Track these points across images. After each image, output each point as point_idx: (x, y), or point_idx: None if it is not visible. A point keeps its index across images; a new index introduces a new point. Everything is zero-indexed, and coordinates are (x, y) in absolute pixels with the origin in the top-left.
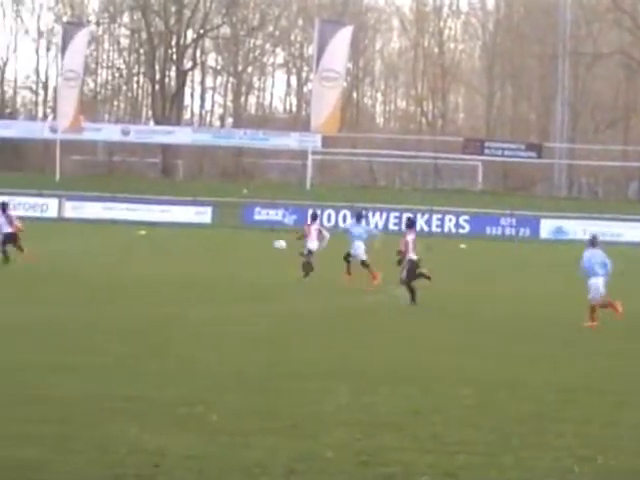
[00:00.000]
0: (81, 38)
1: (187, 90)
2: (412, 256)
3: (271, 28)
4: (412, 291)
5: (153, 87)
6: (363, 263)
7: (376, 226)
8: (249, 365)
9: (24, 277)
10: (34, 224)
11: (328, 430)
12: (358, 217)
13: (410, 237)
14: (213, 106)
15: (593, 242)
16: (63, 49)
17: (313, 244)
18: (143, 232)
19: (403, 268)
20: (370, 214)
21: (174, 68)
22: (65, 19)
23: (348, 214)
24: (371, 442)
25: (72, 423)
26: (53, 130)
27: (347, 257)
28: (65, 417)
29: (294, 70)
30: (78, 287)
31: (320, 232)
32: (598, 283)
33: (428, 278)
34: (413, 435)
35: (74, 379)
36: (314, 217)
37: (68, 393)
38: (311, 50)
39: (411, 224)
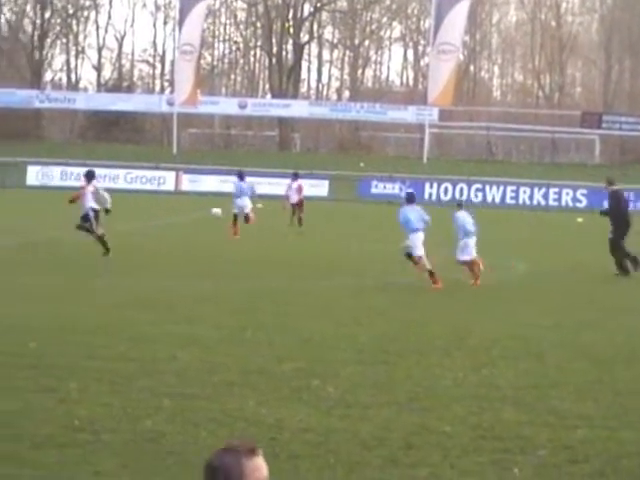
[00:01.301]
0: (198, 11)
1: (304, 63)
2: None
3: (388, 1)
4: None
5: (270, 60)
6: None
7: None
8: (367, 339)
9: (138, 251)
10: (151, 197)
11: (445, 404)
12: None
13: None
14: (330, 79)
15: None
16: (180, 22)
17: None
18: (260, 205)
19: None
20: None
21: (291, 41)
22: None
23: (465, 188)
24: (488, 416)
25: (189, 396)
26: (170, 103)
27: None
28: (182, 390)
29: (411, 43)
30: (195, 261)
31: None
32: None
33: None
34: (531, 409)
35: (192, 352)
36: None
37: (185, 365)
38: (428, 23)
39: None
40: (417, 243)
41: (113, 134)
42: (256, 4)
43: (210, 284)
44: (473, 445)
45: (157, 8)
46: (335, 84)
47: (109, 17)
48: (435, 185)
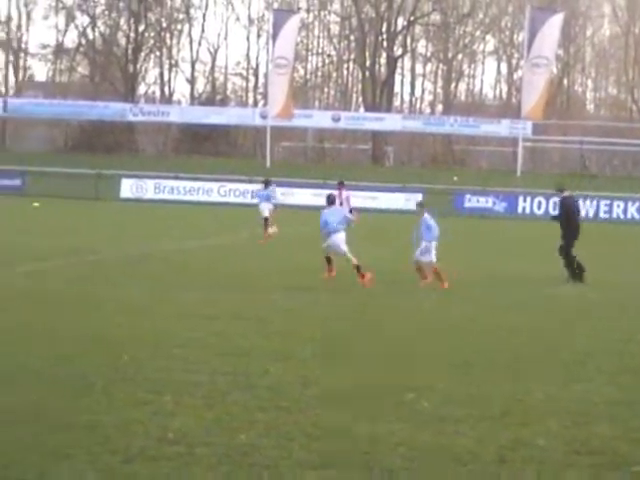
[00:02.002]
0: (292, 25)
1: (397, 77)
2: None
3: (481, 15)
4: None
5: (363, 74)
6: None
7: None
8: (459, 352)
9: (228, 264)
10: (244, 210)
11: (539, 418)
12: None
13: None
14: (423, 93)
15: None
16: (274, 36)
17: None
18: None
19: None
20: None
21: (384, 55)
22: (275, 6)
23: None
24: (583, 431)
25: (283, 409)
26: (263, 117)
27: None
28: (276, 403)
29: (504, 57)
30: (286, 274)
31: None
32: None
33: None
34: (626, 425)
35: (284, 366)
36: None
37: (278, 379)
38: (521, 37)
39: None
40: (338, 242)
41: (206, 147)
42: (350, 17)
43: (301, 297)
44: (567, 460)
45: (250, 21)
46: (428, 97)
47: (202, 30)
48: (529, 199)
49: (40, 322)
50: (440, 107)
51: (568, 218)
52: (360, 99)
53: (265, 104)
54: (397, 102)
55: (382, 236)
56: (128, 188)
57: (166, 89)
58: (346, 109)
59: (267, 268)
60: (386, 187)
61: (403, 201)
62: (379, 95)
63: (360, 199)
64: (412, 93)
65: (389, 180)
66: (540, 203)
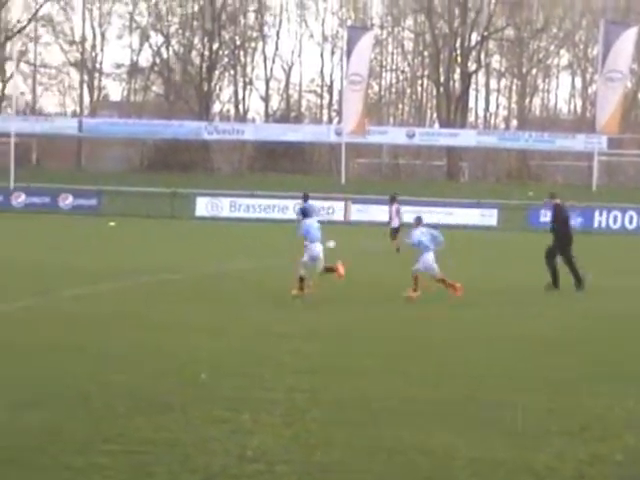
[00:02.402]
0: (366, 41)
1: (472, 92)
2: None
3: (555, 30)
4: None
5: (437, 89)
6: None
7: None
8: (532, 367)
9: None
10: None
11: (617, 433)
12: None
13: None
14: (497, 108)
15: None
16: (348, 53)
17: None
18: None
19: None
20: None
21: (458, 70)
22: (349, 23)
23: (635, 216)
24: None
25: (360, 425)
26: (338, 133)
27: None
28: (354, 419)
29: (578, 71)
30: (355, 290)
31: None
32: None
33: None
34: None
35: (360, 382)
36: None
37: (357, 395)
38: (595, 51)
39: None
40: (317, 251)
41: (281, 165)
42: (423, 33)
43: (376, 311)
44: None
45: (324, 38)
46: (503, 113)
47: (276, 48)
48: (604, 213)
49: (119, 341)
50: (514, 122)
51: (560, 225)
52: (434, 115)
53: (340, 121)
54: (471, 117)
55: (462, 251)
56: (203, 206)
57: (240, 107)
58: (420, 125)
59: (341, 285)
60: (461, 203)
61: (478, 217)
62: (453, 111)
63: (436, 215)
64: (486, 108)
65: (464, 196)
66: (616, 217)
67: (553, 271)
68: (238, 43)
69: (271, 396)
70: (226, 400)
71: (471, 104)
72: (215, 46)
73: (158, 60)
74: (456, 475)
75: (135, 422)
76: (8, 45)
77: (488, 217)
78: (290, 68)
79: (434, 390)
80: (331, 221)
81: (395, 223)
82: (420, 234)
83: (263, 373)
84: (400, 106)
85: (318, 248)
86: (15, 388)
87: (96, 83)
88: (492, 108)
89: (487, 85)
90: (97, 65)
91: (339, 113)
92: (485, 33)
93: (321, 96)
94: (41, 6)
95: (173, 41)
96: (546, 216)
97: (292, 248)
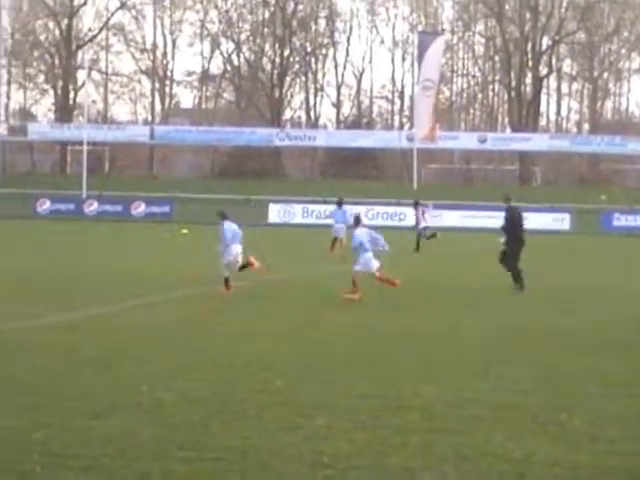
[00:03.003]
0: (437, 47)
1: (543, 97)
2: None
3: (626, 33)
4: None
5: (509, 94)
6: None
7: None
8: (613, 371)
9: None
10: (393, 233)
11: None
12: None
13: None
14: (569, 112)
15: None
16: (419, 58)
17: None
18: (502, 240)
19: None
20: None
21: (529, 75)
22: (420, 28)
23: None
24: None
25: (435, 431)
26: (410, 139)
27: None
28: (428, 425)
29: None
30: (428, 295)
31: None
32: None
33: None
34: None
35: (435, 387)
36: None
37: (429, 401)
38: None
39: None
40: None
41: (353, 171)
42: (494, 38)
43: (447, 319)
44: None
45: (395, 44)
46: (574, 117)
47: (347, 54)
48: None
49: (191, 348)
50: (586, 126)
51: (512, 228)
52: (506, 120)
53: (411, 126)
54: (543, 122)
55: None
56: (276, 213)
57: (312, 113)
58: (492, 130)
59: (411, 289)
60: (534, 207)
61: (551, 221)
62: (525, 115)
63: None
64: (558, 112)
65: (537, 200)
66: None
67: (520, 274)
68: (309, 49)
69: (345, 402)
70: (300, 406)
71: (542, 108)
72: (286, 53)
73: (229, 67)
74: None
75: (210, 429)
76: (80, 54)
77: (561, 221)
78: (361, 74)
79: (515, 396)
80: (403, 227)
81: (422, 224)
82: (360, 234)
83: (337, 379)
84: (471, 111)
85: (236, 250)
86: (92, 397)
87: (167, 91)
88: (564, 112)
89: (558, 89)
90: (168, 73)
91: (410, 119)
92: (556, 37)
93: (392, 102)
94: (112, 15)
95: (244, 48)
96: (619, 220)
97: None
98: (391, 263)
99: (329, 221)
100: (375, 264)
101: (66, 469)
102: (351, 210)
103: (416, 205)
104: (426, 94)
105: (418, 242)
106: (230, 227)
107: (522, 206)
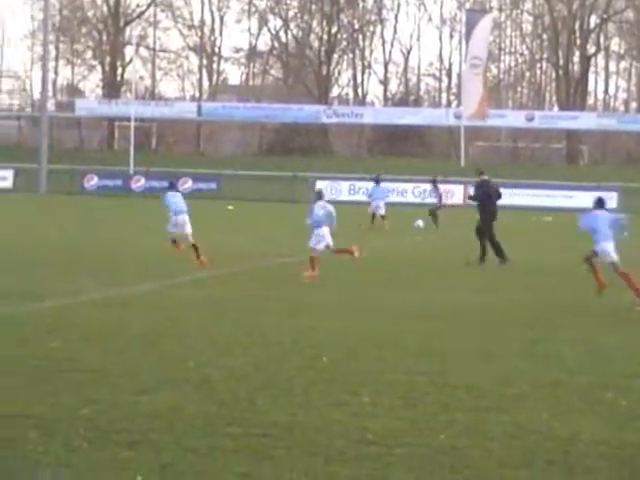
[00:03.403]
0: (484, 24)
1: (591, 75)
2: None
3: None
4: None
5: (557, 72)
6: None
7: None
8: None
9: (421, 263)
10: (440, 210)
11: None
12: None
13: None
14: (617, 91)
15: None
16: (467, 36)
17: None
18: (549, 218)
19: None
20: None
21: (577, 53)
22: (467, 6)
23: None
24: None
25: (481, 409)
26: (457, 117)
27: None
28: (475, 403)
29: None
30: (478, 273)
31: None
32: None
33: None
34: None
35: (482, 365)
36: None
37: (477, 379)
38: None
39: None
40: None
41: (400, 148)
42: (542, 16)
43: (494, 295)
44: None
45: (443, 22)
46: (622, 95)
47: (395, 32)
48: None
49: (239, 324)
50: (634, 105)
51: (485, 201)
52: (553, 98)
53: (458, 104)
54: (591, 100)
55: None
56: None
57: (359, 90)
58: (539, 108)
59: (453, 267)
60: (581, 186)
61: None
62: (572, 94)
63: (555, 198)
64: (606, 91)
65: (584, 179)
66: None
67: (499, 246)
68: (357, 27)
69: (391, 378)
70: (347, 383)
71: (590, 87)
72: (334, 30)
73: (277, 44)
74: (579, 458)
75: (257, 405)
76: (127, 30)
77: (608, 200)
78: (409, 51)
79: (560, 374)
80: (450, 204)
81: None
82: (317, 209)
83: (384, 355)
84: (519, 89)
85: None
86: (139, 373)
87: (215, 67)
88: (611, 91)
89: (606, 67)
90: (216, 49)
91: (458, 96)
92: (604, 15)
93: (439, 79)
94: None
95: (292, 25)
96: None
97: (411, 230)
98: (437, 239)
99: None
100: (328, 239)
101: (113, 444)
102: (389, 187)
103: (434, 182)
104: (474, 72)
105: (435, 217)
106: (174, 198)
107: (571, 184)
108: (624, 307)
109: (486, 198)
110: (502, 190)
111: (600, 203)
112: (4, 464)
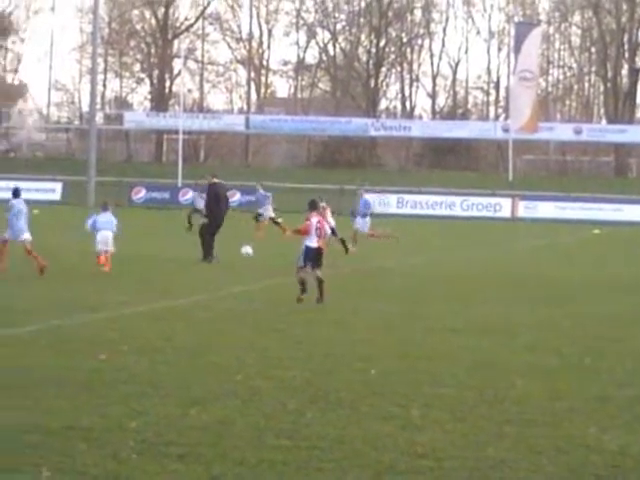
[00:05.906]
0: (534, 37)
1: (639, 88)
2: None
3: None
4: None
5: (605, 85)
6: None
7: None
8: None
9: (469, 278)
10: (488, 224)
11: None
12: None
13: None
14: None
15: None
16: (516, 49)
17: None
18: (597, 231)
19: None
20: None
21: (626, 66)
22: (516, 19)
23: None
24: None
25: (530, 423)
26: (505, 130)
27: None
28: (523, 417)
29: None
30: (530, 287)
31: None
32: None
33: None
34: None
35: (531, 379)
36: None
37: (525, 393)
38: None
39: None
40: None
41: (448, 161)
42: (590, 29)
43: (547, 311)
44: None
45: (491, 35)
46: None
47: (443, 45)
48: None
49: (294, 337)
50: None
51: (215, 204)
52: (602, 111)
53: (506, 117)
54: (639, 114)
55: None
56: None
57: (407, 103)
58: (588, 121)
59: (512, 281)
60: (630, 199)
61: None
62: (621, 107)
63: (604, 212)
64: None
65: (633, 192)
66: None
67: (211, 247)
68: (405, 40)
69: (441, 392)
70: (396, 395)
71: (639, 100)
72: (382, 43)
73: (325, 57)
74: (628, 473)
75: (305, 418)
76: (176, 43)
77: None
78: (457, 64)
79: (615, 389)
80: (498, 218)
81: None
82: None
83: (433, 368)
84: (567, 102)
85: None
86: (188, 386)
87: (263, 80)
88: None
89: None
90: (264, 62)
91: (505, 109)
92: None
93: (487, 92)
94: (209, 4)
95: (340, 38)
96: None
97: (459, 244)
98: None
99: (427, 211)
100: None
101: (162, 456)
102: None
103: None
104: (525, 85)
105: None
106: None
107: (620, 197)
108: None
109: (216, 202)
110: (550, 204)
111: None
112: (55, 476)
